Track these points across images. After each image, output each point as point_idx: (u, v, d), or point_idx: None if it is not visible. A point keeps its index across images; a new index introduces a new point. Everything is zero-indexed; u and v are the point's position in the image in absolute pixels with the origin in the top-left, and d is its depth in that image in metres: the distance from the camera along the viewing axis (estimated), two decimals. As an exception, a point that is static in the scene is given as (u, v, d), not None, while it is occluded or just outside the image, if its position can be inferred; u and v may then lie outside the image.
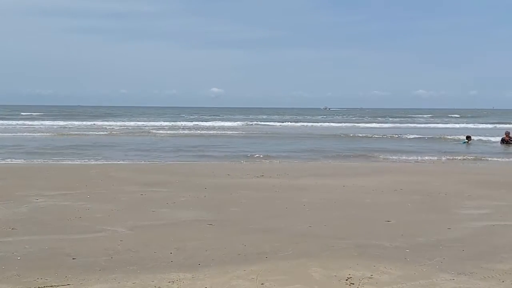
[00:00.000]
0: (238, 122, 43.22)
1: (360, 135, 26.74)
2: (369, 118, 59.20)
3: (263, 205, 7.09)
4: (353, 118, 59.40)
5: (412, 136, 25.31)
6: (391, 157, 14.75)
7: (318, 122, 45.15)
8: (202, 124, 39.53)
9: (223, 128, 34.40)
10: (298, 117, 59.52)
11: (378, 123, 45.80)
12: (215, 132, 29.46)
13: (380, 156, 14.91)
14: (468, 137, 21.58)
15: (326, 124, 42.82)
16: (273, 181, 9.33)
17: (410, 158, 14.53)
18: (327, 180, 9.48)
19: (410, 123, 46.72)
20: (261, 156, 14.68)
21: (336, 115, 73.33)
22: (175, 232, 5.50)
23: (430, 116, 67.01)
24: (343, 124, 42.17)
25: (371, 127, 37.14)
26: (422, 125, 41.50)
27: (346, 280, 3.90)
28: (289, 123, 43.48)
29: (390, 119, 53.72)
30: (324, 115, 68.72)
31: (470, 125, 40.35)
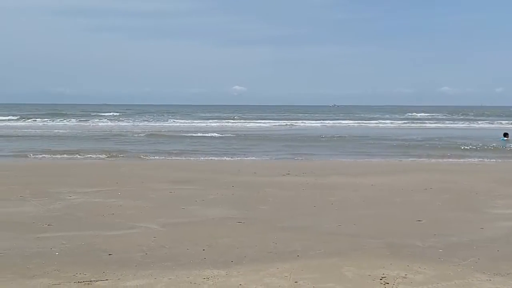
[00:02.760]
0: (275, 122, 41.96)
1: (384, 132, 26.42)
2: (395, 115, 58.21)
3: (291, 204, 7.10)
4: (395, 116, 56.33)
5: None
6: (419, 156, 14.53)
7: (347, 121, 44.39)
8: (249, 125, 38.30)
9: (271, 129, 33.82)
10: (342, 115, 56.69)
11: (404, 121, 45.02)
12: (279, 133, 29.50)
13: (407, 154, 14.72)
14: (506, 134, 21.10)
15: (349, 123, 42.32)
16: (300, 180, 9.33)
17: (437, 155, 14.29)
18: (355, 179, 9.42)
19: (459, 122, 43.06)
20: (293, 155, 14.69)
21: (369, 113, 69.95)
22: (205, 229, 5.57)
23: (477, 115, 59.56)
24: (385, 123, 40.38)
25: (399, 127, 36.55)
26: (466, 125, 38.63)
27: (381, 279, 3.88)
28: (330, 122, 41.44)
29: (428, 122, 46.90)
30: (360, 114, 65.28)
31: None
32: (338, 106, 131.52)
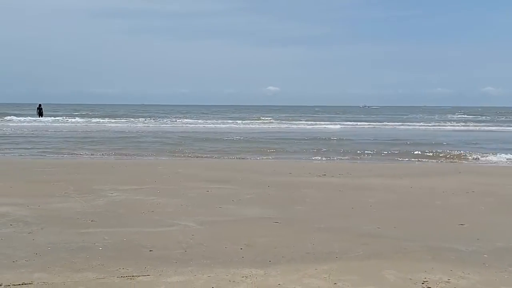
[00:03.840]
0: (308, 123, 41.70)
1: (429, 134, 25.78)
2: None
3: (328, 205, 7.04)
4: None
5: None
6: (461, 158, 14.10)
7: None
8: (283, 126, 38.05)
9: (304, 130, 33.78)
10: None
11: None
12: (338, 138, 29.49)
13: (448, 156, 14.31)
14: None
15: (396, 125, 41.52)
16: (336, 181, 9.24)
17: (480, 158, 13.82)
18: (393, 181, 9.25)
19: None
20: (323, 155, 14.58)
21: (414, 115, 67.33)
22: (242, 228, 5.61)
23: None
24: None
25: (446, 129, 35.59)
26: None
27: (423, 283, 3.80)
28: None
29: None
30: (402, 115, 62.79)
31: None
32: (368, 107, 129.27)
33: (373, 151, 15.68)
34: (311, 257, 4.50)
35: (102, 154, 14.45)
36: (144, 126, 34.02)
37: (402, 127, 35.86)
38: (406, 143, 19.61)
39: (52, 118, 41.16)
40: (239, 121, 42.43)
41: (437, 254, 4.59)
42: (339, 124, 39.41)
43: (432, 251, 4.69)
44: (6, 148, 15.98)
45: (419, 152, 14.96)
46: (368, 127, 35.29)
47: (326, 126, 36.06)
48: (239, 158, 14.00)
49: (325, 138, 22.31)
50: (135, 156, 14.00)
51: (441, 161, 13.60)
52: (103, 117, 46.89)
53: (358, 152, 15.54)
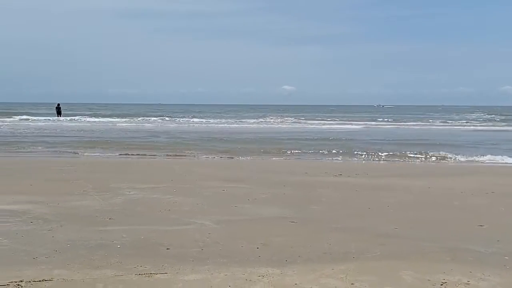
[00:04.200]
0: (323, 122, 41.46)
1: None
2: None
3: (344, 204, 7.01)
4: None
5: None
6: (477, 158, 13.87)
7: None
8: (298, 126, 38.08)
9: (319, 130, 33.75)
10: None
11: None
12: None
13: (466, 156, 14.09)
14: None
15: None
16: (353, 180, 9.18)
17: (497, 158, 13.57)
18: (410, 181, 9.15)
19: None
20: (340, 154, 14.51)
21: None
22: (258, 228, 5.61)
23: None
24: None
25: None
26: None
27: (441, 285, 3.75)
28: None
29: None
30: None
31: None
32: (383, 106, 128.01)
33: (390, 150, 15.54)
34: (327, 257, 4.48)
35: (119, 153, 14.61)
36: (160, 125, 34.28)
37: (417, 127, 35.44)
38: (423, 143, 19.37)
39: (70, 117, 41.76)
40: (252, 120, 42.49)
41: (455, 255, 4.53)
42: (354, 123, 39.19)
43: (451, 252, 4.63)
44: (26, 147, 16.26)
45: (437, 152, 14.78)
46: (384, 127, 34.97)
47: (342, 126, 35.85)
48: (254, 157, 14.01)
49: (341, 138, 22.19)
50: (151, 155, 14.12)
51: (460, 161, 13.41)
52: (121, 116, 47.39)
53: (375, 151, 15.41)
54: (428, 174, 10.29)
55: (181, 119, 44.45)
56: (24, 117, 41.85)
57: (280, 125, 35.88)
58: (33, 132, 24.55)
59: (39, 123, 34.54)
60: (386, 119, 46.03)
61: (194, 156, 14.08)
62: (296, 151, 15.82)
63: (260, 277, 3.92)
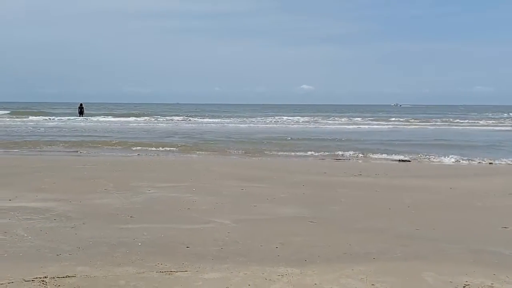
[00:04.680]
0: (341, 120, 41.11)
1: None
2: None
3: (364, 205, 6.95)
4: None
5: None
6: (500, 158, 13.59)
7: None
8: (315, 125, 38.27)
9: (338, 130, 33.81)
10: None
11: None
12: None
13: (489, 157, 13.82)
14: None
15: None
16: (372, 180, 9.10)
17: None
18: (431, 181, 9.02)
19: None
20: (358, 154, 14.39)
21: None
22: (277, 227, 5.61)
23: None
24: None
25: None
26: None
27: (464, 287, 3.69)
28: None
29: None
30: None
31: None
32: (400, 105, 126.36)
33: (410, 150, 15.34)
34: (347, 257, 4.45)
35: (139, 153, 14.78)
36: (178, 125, 34.55)
37: (433, 126, 34.87)
38: (444, 143, 19.07)
39: (91, 117, 42.42)
40: (269, 119, 42.46)
41: (479, 257, 4.45)
42: (374, 123, 38.83)
43: (473, 254, 4.55)
44: (48, 146, 16.58)
45: (458, 152, 14.52)
46: (401, 126, 34.51)
47: (360, 126, 35.53)
48: (272, 157, 14.00)
49: (359, 137, 22.00)
50: (170, 154, 14.25)
51: (483, 162, 13.15)
52: (138, 115, 47.88)
53: (393, 151, 15.24)
54: (450, 174, 10.13)
55: (199, 118, 44.65)
56: (47, 117, 42.62)
57: (298, 125, 35.77)
58: (54, 131, 25.02)
59: (60, 123, 35.17)
60: (403, 119, 45.39)
61: (212, 155, 14.15)
62: (314, 150, 15.75)
63: (280, 276, 3.92)
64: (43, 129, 27.33)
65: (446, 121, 41.55)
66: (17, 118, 41.14)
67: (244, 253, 4.55)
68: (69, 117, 41.87)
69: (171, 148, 15.86)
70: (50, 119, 40.51)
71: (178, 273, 3.98)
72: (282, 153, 14.80)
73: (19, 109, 56.59)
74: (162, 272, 4.01)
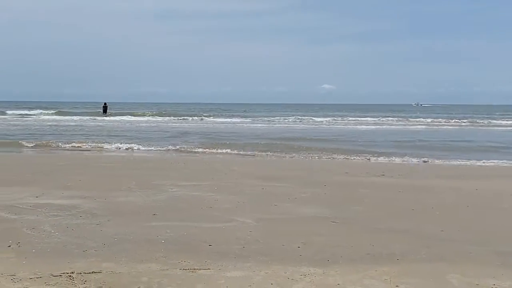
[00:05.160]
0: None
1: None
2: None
3: (387, 205, 6.88)
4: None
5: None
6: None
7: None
8: (338, 126, 37.97)
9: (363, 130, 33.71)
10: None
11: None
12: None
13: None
14: None
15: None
16: (395, 181, 9.00)
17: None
18: (456, 182, 8.86)
19: None
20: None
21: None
22: (299, 227, 5.60)
23: None
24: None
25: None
26: None
27: (491, 290, 3.62)
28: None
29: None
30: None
31: None
32: (421, 105, 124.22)
33: (433, 150, 15.11)
34: (370, 258, 4.42)
35: (160, 151, 14.95)
36: (198, 124, 34.79)
37: (456, 126, 34.18)
38: (467, 142, 18.69)
39: (113, 117, 43.09)
40: (289, 119, 42.31)
41: (506, 259, 4.36)
42: (398, 122, 38.35)
43: (501, 256, 4.46)
44: (75, 144, 16.91)
45: (484, 152, 14.22)
46: (423, 126, 33.95)
47: (381, 126, 35.11)
48: (293, 156, 13.97)
49: (380, 137, 21.76)
50: (190, 153, 14.37)
51: (509, 163, 12.83)
52: (156, 115, 48.38)
53: (417, 151, 15.03)
54: (475, 175, 9.92)
55: (220, 118, 44.82)
56: (75, 117, 43.43)
57: (320, 125, 35.56)
58: (79, 129, 25.51)
59: (84, 123, 35.83)
60: (425, 118, 44.51)
61: (233, 155, 14.20)
62: (336, 150, 15.65)
63: (302, 276, 3.92)
64: (71, 127, 27.89)
65: (472, 122, 40.68)
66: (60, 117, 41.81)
67: (266, 252, 4.56)
68: (93, 117, 42.58)
69: (192, 148, 15.99)
70: (73, 118, 41.28)
71: (201, 271, 4.01)
72: (302, 153, 14.75)
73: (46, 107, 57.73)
74: (185, 269, 4.05)
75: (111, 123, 33.55)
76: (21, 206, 6.38)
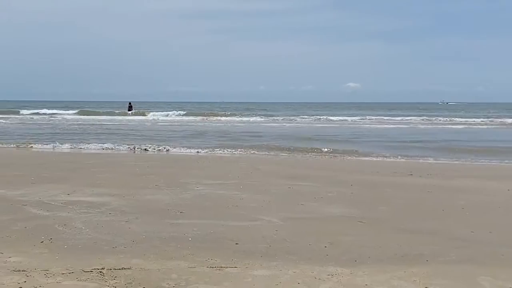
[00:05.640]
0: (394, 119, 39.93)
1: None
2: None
3: (415, 206, 6.76)
4: None
5: None
6: None
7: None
8: (365, 125, 38.33)
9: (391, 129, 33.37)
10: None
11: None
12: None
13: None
14: None
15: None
16: (424, 181, 8.83)
17: None
18: (487, 183, 8.63)
19: None
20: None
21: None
22: (326, 226, 5.57)
23: None
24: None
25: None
26: None
27: (525, 293, 3.52)
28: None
29: None
30: None
31: None
32: (447, 103, 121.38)
33: (463, 150, 14.76)
34: (399, 259, 4.36)
35: (186, 150, 15.11)
36: (225, 123, 34.98)
37: (484, 125, 33.23)
38: (495, 142, 18.17)
39: (140, 116, 43.76)
40: (314, 118, 42.03)
41: (541, 263, 4.22)
42: (421, 121, 37.64)
43: (535, 259, 4.32)
44: (101, 143, 17.28)
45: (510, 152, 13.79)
46: (451, 125, 33.17)
47: (407, 125, 34.48)
48: (319, 156, 13.88)
49: (406, 137, 21.39)
50: (216, 152, 14.46)
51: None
52: (185, 114, 48.83)
53: (446, 151, 14.72)
54: (508, 176, 9.64)
55: (245, 117, 44.84)
56: (106, 117, 44.30)
57: (346, 124, 35.24)
58: (106, 128, 26.03)
59: (110, 123, 36.51)
60: (452, 117, 43.39)
61: (258, 154, 14.21)
62: (361, 150, 15.48)
63: (330, 276, 3.90)
64: (104, 126, 28.49)
65: (503, 121, 39.52)
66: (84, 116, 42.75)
67: (293, 252, 4.56)
68: (123, 116, 43.27)
69: (219, 147, 16.09)
70: (100, 118, 42.11)
71: (228, 269, 4.04)
72: (328, 152, 14.65)
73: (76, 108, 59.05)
74: (213, 267, 4.09)
75: (140, 124, 34.10)
76: (53, 203, 6.57)
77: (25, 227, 5.31)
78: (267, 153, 14.40)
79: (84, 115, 44.64)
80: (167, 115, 44.86)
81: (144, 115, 44.14)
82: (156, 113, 46.59)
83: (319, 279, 3.83)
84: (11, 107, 56.44)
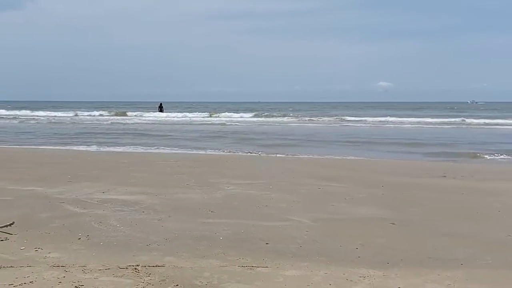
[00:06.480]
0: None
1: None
2: None
3: (448, 208, 6.62)
4: None
5: None
6: None
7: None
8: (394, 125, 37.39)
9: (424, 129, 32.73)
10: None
11: None
12: None
13: None
14: None
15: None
16: (457, 183, 8.63)
17: None
18: (525, 185, 8.36)
19: None
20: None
21: None
22: (357, 227, 5.53)
23: None
24: None
25: None
26: None
27: None
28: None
29: None
30: None
31: None
32: (477, 102, 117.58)
33: (500, 152, 14.30)
34: (432, 262, 4.29)
35: (217, 149, 15.25)
36: (257, 124, 35.05)
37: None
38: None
39: (172, 117, 44.39)
40: (348, 118, 41.55)
41: None
42: (449, 121, 36.68)
43: None
44: (135, 143, 17.65)
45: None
46: (487, 126, 32.13)
47: (438, 126, 33.63)
48: (350, 156, 13.75)
49: (443, 138, 20.91)
50: (245, 152, 14.53)
51: None
52: (211, 115, 49.05)
53: (482, 152, 14.30)
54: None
55: (282, 118, 44.27)
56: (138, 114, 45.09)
57: (379, 125, 34.71)
58: (138, 128, 26.55)
59: (143, 123, 37.19)
60: (486, 117, 41.93)
61: (288, 154, 14.20)
62: (392, 150, 15.26)
63: (361, 278, 3.88)
64: (136, 125, 29.07)
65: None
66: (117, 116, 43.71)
67: (324, 253, 4.55)
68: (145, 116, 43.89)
69: (247, 146, 16.18)
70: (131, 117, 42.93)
71: (259, 269, 4.08)
72: (358, 152, 14.49)
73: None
74: (244, 266, 4.13)
75: (178, 125, 34.61)
76: (89, 201, 6.77)
77: (63, 224, 5.50)
78: (297, 154, 14.36)
79: (122, 116, 45.34)
80: (240, 117, 43.70)
81: (217, 117, 42.97)
82: (228, 113, 46.19)
83: (351, 280, 3.81)
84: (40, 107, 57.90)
